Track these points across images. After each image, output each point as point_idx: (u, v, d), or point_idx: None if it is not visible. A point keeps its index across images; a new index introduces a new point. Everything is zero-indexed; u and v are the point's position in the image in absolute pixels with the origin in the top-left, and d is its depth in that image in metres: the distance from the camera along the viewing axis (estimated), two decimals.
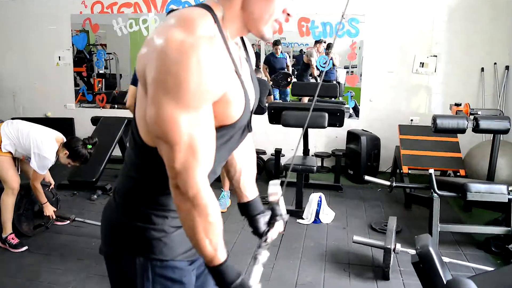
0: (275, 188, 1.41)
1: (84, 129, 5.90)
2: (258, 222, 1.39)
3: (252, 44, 6.34)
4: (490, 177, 3.98)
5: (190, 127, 0.97)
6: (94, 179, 4.48)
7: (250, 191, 1.42)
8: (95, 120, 5.31)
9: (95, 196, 4.44)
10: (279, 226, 1.41)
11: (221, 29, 1.07)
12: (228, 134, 1.11)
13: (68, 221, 3.65)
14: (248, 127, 1.19)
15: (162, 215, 1.17)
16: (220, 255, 1.07)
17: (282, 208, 1.42)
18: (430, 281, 2.20)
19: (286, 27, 5.49)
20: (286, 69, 6.10)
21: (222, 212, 4.11)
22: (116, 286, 1.29)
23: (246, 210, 1.42)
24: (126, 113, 5.61)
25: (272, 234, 1.38)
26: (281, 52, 6.01)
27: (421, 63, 5.35)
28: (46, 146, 3.18)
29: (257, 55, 6.60)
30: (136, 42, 5.92)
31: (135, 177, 1.18)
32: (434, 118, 3.66)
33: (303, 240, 3.64)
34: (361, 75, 5.55)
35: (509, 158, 4.32)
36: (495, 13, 5.11)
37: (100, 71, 6.33)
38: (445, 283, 2.17)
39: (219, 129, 1.07)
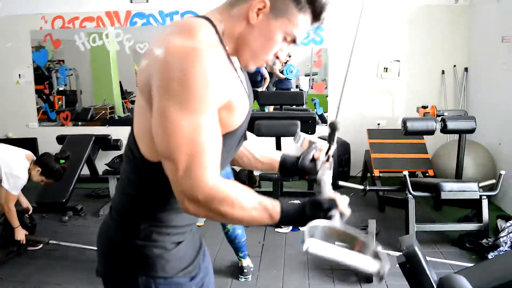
0: (301, 138, 1.42)
1: (48, 149, 5.66)
2: (304, 164, 1.36)
3: None
4: (458, 176, 4.12)
5: (192, 132, 0.95)
6: (64, 200, 4.33)
7: (273, 154, 1.42)
8: (60, 139, 5.16)
9: (66, 218, 4.31)
10: (321, 145, 1.37)
11: (222, 40, 1.07)
12: (227, 141, 1.09)
13: (41, 245, 3.52)
14: (244, 135, 1.19)
15: (163, 232, 1.15)
16: (271, 207, 1.03)
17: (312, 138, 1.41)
18: (417, 281, 2.25)
19: None
20: (263, 81, 6.11)
21: (199, 225, 4.08)
22: None
23: (286, 168, 1.40)
24: (91, 130, 5.51)
25: (322, 156, 1.35)
26: None
27: (384, 68, 5.49)
28: (16, 164, 3.08)
29: None
30: (97, 57, 5.82)
31: (133, 194, 1.15)
32: (404, 121, 3.76)
33: (284, 249, 3.65)
34: (327, 82, 5.65)
35: (475, 156, 4.48)
36: (453, 18, 5.33)
37: (60, 88, 6.17)
38: (432, 282, 2.23)
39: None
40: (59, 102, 6.10)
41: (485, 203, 3.51)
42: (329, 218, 1.05)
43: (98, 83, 6.16)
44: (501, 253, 3.23)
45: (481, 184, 3.58)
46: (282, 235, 3.93)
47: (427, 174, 4.62)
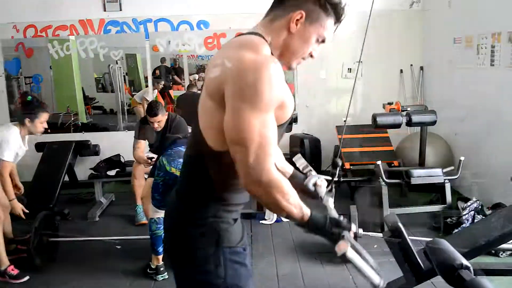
0: (301, 160, 1.70)
1: (25, 155, 5.75)
2: (308, 186, 1.64)
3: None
4: (421, 164, 4.55)
5: (261, 127, 1.20)
6: (51, 205, 4.44)
7: (286, 166, 1.68)
8: (39, 146, 5.22)
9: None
10: (323, 182, 1.67)
11: (272, 52, 1.35)
12: (279, 131, 1.34)
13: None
14: (287, 127, 1.48)
15: (228, 210, 1.40)
16: (305, 211, 1.29)
17: (313, 172, 1.70)
18: (402, 251, 2.59)
19: (224, 42, 5.78)
20: None
21: (144, 223, 4.27)
22: (183, 277, 1.47)
23: (293, 183, 1.66)
24: (70, 137, 5.58)
25: (322, 188, 1.64)
26: None
27: (348, 68, 5.90)
28: (4, 130, 3.27)
29: (181, 69, 6.87)
30: (59, 65, 5.88)
31: (201, 179, 1.38)
32: (374, 116, 4.14)
33: (271, 238, 3.94)
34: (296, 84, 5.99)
35: (434, 146, 4.94)
36: (408, 22, 5.81)
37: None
38: (414, 251, 2.58)
39: None
40: None
41: (448, 186, 3.95)
42: (342, 235, 1.33)
43: (61, 90, 6.21)
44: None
45: (443, 170, 4.01)
46: (268, 226, 4.22)
47: (392, 165, 5.04)
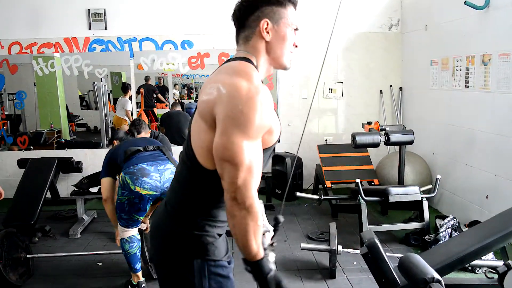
0: (260, 206, 1.70)
1: (5, 172, 5.74)
2: None
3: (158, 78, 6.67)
4: (401, 183, 4.65)
5: (250, 152, 1.27)
6: (32, 222, 4.40)
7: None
8: (22, 163, 5.21)
9: (36, 239, 4.37)
10: (269, 236, 1.63)
11: (261, 69, 1.44)
12: (265, 155, 1.42)
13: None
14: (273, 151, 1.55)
15: (213, 225, 1.45)
16: (261, 252, 1.34)
17: (266, 223, 1.66)
18: (379, 267, 2.65)
19: (207, 62, 5.89)
20: None
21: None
22: None
23: None
24: (53, 154, 5.59)
25: (267, 239, 1.60)
26: None
27: (330, 89, 6.03)
28: None
29: (165, 87, 6.94)
30: (43, 82, 5.93)
31: (191, 194, 1.44)
32: (354, 136, 4.24)
33: None
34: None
35: (413, 165, 5.06)
36: (387, 43, 6.00)
37: (6, 113, 6.23)
38: (391, 266, 2.65)
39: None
40: (4, 127, 6.11)
41: (425, 204, 4.04)
42: None
43: (45, 107, 6.22)
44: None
45: (421, 189, 4.11)
46: None
47: (372, 183, 5.14)
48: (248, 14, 1.44)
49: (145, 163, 3.02)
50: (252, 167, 1.28)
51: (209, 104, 1.32)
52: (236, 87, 1.28)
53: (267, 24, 1.42)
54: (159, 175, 3.00)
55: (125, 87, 6.10)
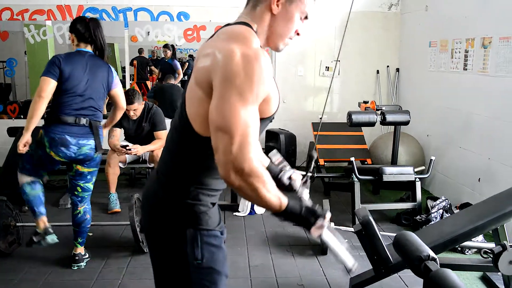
0: (277, 155, 1.73)
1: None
2: (283, 180, 1.64)
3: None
4: (394, 163, 4.66)
5: (246, 117, 1.22)
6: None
7: (263, 158, 1.68)
8: (12, 131, 5.13)
9: (26, 207, 4.30)
10: (298, 176, 1.68)
11: (260, 39, 1.37)
12: (262, 125, 1.37)
13: None
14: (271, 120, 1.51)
15: (207, 194, 1.42)
16: (283, 201, 1.30)
17: (287, 165, 1.72)
18: (372, 244, 2.66)
19: (204, 35, 5.79)
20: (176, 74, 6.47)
21: (117, 211, 4.33)
22: (160, 258, 1.50)
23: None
24: (42, 123, 5.48)
25: (297, 182, 1.65)
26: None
27: (326, 67, 5.98)
28: None
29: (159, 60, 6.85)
30: (35, 51, 5.81)
31: (184, 162, 1.40)
32: (350, 114, 4.22)
33: (244, 230, 3.98)
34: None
35: (407, 146, 5.06)
36: (386, 23, 5.93)
37: None
38: (383, 244, 2.66)
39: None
40: None
41: (418, 185, 4.05)
42: (318, 221, 1.35)
43: (36, 76, 6.08)
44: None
45: (414, 170, 4.12)
46: (241, 218, 4.25)
47: (365, 162, 5.14)
48: None
49: (68, 135, 2.94)
50: (248, 132, 1.22)
51: (205, 70, 1.27)
52: (233, 52, 1.23)
53: None
54: (77, 148, 2.99)
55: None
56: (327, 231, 1.36)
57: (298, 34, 1.46)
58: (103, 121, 3.25)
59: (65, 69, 2.96)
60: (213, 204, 1.45)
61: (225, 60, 1.22)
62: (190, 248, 1.39)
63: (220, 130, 1.22)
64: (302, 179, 1.66)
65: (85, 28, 3.05)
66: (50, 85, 2.93)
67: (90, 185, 3.22)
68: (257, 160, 1.25)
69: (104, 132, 3.37)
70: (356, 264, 1.38)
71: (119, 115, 3.38)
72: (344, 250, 1.39)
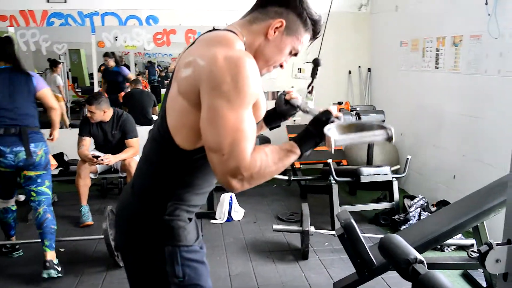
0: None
1: None
2: (281, 108, 1.68)
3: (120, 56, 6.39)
4: (370, 163, 4.66)
5: (238, 123, 1.14)
6: None
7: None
8: None
9: None
10: (297, 94, 1.67)
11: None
12: None
13: None
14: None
15: (185, 210, 1.34)
16: (292, 148, 1.27)
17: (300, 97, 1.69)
18: (355, 248, 2.62)
19: (173, 39, 5.68)
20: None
21: (89, 224, 4.18)
22: (137, 277, 1.41)
23: (269, 118, 1.68)
24: None
25: (299, 99, 1.65)
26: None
27: (299, 68, 5.95)
28: None
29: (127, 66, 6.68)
30: None
31: (163, 177, 1.32)
32: None
33: (223, 238, 3.89)
34: None
35: (381, 146, 5.07)
36: (357, 24, 5.95)
37: None
38: (366, 247, 2.62)
39: None
40: None
41: (395, 184, 4.06)
42: (330, 121, 1.31)
43: None
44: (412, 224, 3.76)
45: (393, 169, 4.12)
46: (218, 225, 4.16)
47: (341, 164, 5.12)
48: (276, 2, 1.31)
49: (1, 146, 3.07)
50: (240, 137, 1.14)
51: (191, 80, 1.19)
52: (215, 56, 1.15)
53: (281, 25, 1.29)
54: (14, 156, 3.10)
55: (54, 62, 5.83)
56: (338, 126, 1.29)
57: (281, 66, 1.40)
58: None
59: None
60: (190, 219, 1.38)
61: (208, 67, 1.15)
62: (170, 267, 1.32)
63: (211, 149, 1.17)
64: (307, 88, 1.66)
65: None
66: None
67: (44, 189, 3.27)
68: (254, 161, 1.17)
69: (55, 138, 3.70)
70: (391, 130, 1.31)
71: (53, 116, 3.50)
72: (370, 130, 1.32)
